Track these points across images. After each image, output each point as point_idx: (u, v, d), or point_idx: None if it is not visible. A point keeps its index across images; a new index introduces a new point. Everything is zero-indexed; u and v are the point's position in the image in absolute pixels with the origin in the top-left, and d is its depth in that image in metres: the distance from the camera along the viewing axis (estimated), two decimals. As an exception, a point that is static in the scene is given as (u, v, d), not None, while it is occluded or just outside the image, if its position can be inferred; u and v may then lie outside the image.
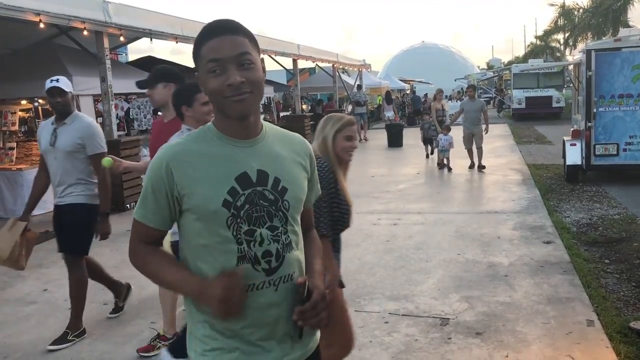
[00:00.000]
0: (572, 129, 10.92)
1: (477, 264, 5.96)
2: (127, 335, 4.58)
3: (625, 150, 9.83)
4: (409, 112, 27.85)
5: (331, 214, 2.98)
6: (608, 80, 9.75)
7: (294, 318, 1.67)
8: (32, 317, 5.14)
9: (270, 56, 17.94)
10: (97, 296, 5.55)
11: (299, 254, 1.76)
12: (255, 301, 1.65)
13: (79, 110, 10.21)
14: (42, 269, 6.63)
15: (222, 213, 1.62)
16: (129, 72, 12.35)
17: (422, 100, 33.68)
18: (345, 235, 7.90)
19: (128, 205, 9.78)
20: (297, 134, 1.89)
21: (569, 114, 14.34)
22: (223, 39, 1.61)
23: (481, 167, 12.14)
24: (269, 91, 20.87)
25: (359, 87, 23.23)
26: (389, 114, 22.97)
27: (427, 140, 14.43)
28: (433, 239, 7.00)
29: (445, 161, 12.59)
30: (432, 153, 14.34)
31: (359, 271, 5.81)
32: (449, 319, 4.55)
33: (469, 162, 12.47)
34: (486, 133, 12.25)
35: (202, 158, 1.66)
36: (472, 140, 12.17)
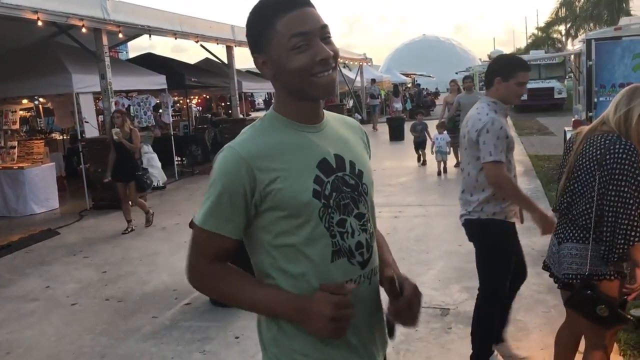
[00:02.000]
0: (573, 119, 10.89)
1: (478, 254, 5.95)
2: (129, 330, 4.60)
3: (626, 139, 9.79)
4: (412, 106, 27.93)
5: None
6: (609, 69, 9.71)
7: (387, 317, 1.54)
8: (34, 313, 5.16)
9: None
10: (99, 292, 5.59)
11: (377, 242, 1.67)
12: (355, 299, 1.48)
13: (79, 108, 10.28)
14: (44, 266, 6.65)
15: (313, 204, 1.47)
16: (129, 70, 12.37)
17: (425, 93, 33.61)
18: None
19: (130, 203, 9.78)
20: (351, 118, 1.78)
21: (572, 105, 14.32)
22: (304, 11, 1.44)
23: None
24: (269, 86, 20.85)
25: (373, 80, 25.70)
26: (397, 105, 24.18)
27: (419, 145, 12.47)
28: (434, 230, 7.00)
29: (442, 165, 11.16)
30: (423, 162, 12.41)
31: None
32: (449, 309, 4.56)
33: None
34: None
35: (280, 149, 1.49)
36: None
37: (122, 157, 8.07)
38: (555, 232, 2.85)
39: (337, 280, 1.48)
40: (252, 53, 1.52)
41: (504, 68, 3.27)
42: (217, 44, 13.67)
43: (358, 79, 27.82)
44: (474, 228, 3.50)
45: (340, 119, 1.70)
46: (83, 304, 5.32)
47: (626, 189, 2.51)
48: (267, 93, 25.30)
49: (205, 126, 17.78)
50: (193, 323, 4.65)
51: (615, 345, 3.77)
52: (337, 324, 1.41)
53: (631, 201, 2.51)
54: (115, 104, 10.57)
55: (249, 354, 4.04)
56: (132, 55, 25.33)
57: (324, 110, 1.63)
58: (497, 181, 3.23)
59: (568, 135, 11.01)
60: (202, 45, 13.71)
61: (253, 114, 23.27)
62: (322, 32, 1.46)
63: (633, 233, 2.52)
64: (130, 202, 8.22)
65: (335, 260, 1.49)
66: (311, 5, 1.48)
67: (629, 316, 2.66)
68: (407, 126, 18.30)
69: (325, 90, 1.48)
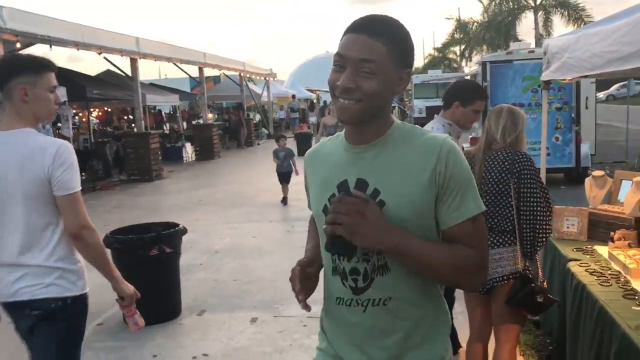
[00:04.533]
0: (470, 137, 11.57)
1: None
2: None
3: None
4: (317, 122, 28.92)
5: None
6: (502, 90, 10.47)
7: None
8: None
9: (175, 64, 17.71)
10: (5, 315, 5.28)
11: (399, 279, 1.53)
12: (344, 317, 1.61)
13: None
14: None
15: (321, 218, 1.57)
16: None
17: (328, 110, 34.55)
18: (260, 244, 7.90)
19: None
20: (440, 137, 1.54)
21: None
22: (356, 38, 1.47)
23: None
24: (174, 99, 20.54)
25: (294, 96, 28.96)
26: (313, 119, 26.29)
27: (283, 177, 10.21)
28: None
29: None
30: (284, 199, 10.29)
31: (277, 278, 5.88)
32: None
33: None
34: None
35: (323, 160, 1.67)
36: None
37: None
38: None
39: (332, 294, 1.63)
40: None
41: (464, 94, 3.36)
42: (122, 56, 13.32)
43: (265, 93, 27.98)
44: None
45: (415, 143, 1.54)
46: (-17, 329, 5.01)
47: (537, 190, 2.94)
48: (172, 106, 24.77)
49: (106, 140, 17.20)
50: (107, 343, 4.52)
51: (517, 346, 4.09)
52: (292, 286, 1.62)
53: (541, 200, 2.94)
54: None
55: (169, 372, 4.00)
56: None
57: (412, 131, 1.57)
58: None
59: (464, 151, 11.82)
60: (105, 58, 13.30)
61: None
62: (359, 64, 1.46)
63: (547, 227, 2.96)
64: None
65: (334, 275, 1.61)
66: (373, 36, 1.46)
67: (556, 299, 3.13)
68: (315, 141, 18.75)
69: (339, 115, 1.52)
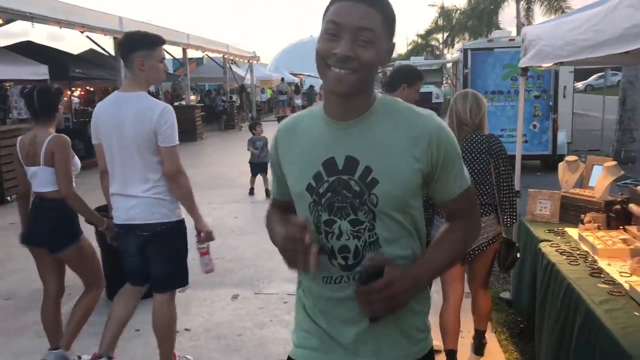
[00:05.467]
0: (448, 121, 11.70)
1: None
2: (21, 327, 4.48)
3: (496, 142, 10.78)
4: (303, 105, 28.80)
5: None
6: (482, 77, 10.61)
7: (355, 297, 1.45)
8: None
9: (158, 45, 17.58)
10: (-16, 290, 5.32)
11: (389, 255, 1.49)
12: (332, 294, 1.55)
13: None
14: None
15: (305, 197, 1.52)
16: (5, 57, 11.63)
17: (315, 92, 34.81)
18: (241, 224, 7.98)
19: (9, 198, 9.27)
20: (427, 114, 1.52)
21: (447, 109, 15.35)
22: (353, 5, 1.40)
23: None
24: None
25: (282, 79, 30.05)
26: (298, 101, 27.83)
27: (260, 167, 9.25)
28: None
29: None
30: (268, 195, 8.78)
31: (257, 257, 5.99)
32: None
33: None
34: None
35: (302, 136, 1.56)
36: None
37: None
38: None
39: (319, 273, 1.53)
40: None
41: (409, 77, 3.80)
42: (105, 35, 13.22)
43: (248, 76, 27.86)
44: None
45: (402, 119, 1.51)
46: (-35, 303, 5.05)
47: (509, 166, 3.48)
48: (155, 87, 24.58)
49: (88, 120, 17.05)
50: (91, 318, 4.56)
51: (489, 324, 4.25)
52: (284, 254, 1.46)
53: (512, 175, 3.54)
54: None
55: (152, 345, 4.07)
56: (2, 41, 23.63)
57: (397, 106, 1.54)
58: None
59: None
60: (88, 37, 13.17)
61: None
62: (356, 32, 1.40)
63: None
64: None
65: (320, 254, 1.50)
66: (371, 5, 1.41)
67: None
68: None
69: (333, 86, 1.43)
